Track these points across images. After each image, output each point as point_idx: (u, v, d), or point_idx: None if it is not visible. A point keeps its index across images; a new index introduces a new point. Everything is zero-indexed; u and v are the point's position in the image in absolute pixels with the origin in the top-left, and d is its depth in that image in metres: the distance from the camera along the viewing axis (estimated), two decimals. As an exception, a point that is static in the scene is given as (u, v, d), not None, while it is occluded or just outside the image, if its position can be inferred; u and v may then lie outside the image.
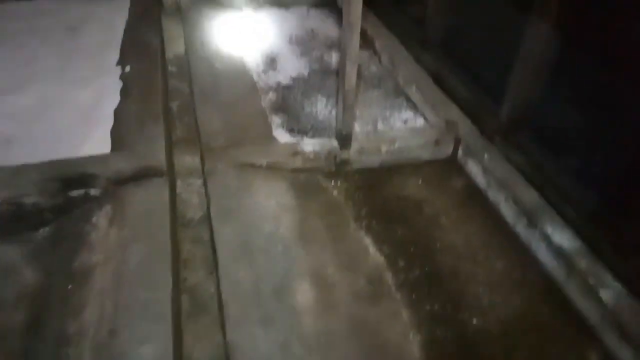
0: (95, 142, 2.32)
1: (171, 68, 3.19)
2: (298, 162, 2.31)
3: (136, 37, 3.22)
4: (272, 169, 2.28)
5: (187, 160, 2.49)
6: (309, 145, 2.34)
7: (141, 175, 2.08)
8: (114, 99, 2.59)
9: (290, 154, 2.30)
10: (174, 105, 2.87)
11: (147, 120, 2.40)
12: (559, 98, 2.25)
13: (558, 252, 1.87)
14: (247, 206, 2.03)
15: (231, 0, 4.01)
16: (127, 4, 3.70)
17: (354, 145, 2.34)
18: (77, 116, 2.53)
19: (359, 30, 1.95)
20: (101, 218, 1.97)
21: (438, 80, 2.98)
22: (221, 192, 2.07)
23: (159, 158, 2.14)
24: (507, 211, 2.13)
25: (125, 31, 3.31)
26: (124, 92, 2.64)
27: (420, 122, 2.78)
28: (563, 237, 1.91)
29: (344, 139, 2.30)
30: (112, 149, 2.26)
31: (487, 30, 2.72)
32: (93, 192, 2.05)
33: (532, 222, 2.00)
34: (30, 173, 2.00)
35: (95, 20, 3.47)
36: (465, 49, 2.97)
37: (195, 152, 2.52)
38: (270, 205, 2.07)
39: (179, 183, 2.33)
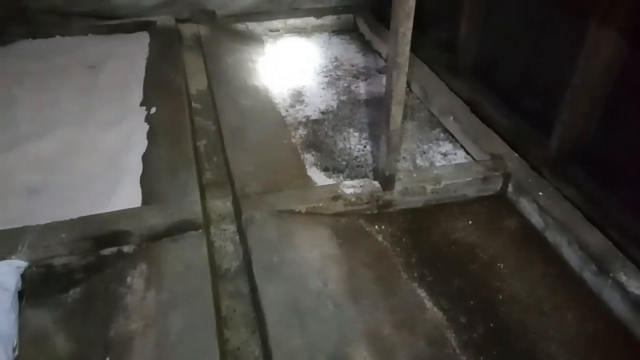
0: (124, 191, 2.21)
1: (195, 104, 3.10)
2: (339, 207, 2.17)
3: (158, 74, 3.13)
4: (312, 214, 2.14)
5: (219, 205, 2.38)
6: (349, 187, 2.20)
7: (176, 230, 1.95)
8: (141, 143, 2.48)
9: (330, 197, 2.16)
10: (201, 144, 2.78)
11: (178, 166, 2.28)
12: (616, 127, 2.11)
13: (635, 302, 1.70)
14: (291, 260, 1.89)
15: (251, 31, 3.93)
16: (147, 40, 3.62)
17: (397, 186, 2.20)
18: (104, 163, 2.42)
19: (406, 71, 1.83)
20: (136, 278, 1.84)
21: (474, 109, 2.84)
22: (261, 245, 1.93)
23: (194, 210, 2.01)
24: (571, 255, 1.97)
25: (146, 68, 3.22)
26: (151, 136, 2.53)
27: (461, 155, 2.64)
28: (639, 286, 1.74)
29: (387, 180, 2.16)
30: (143, 200, 2.14)
31: (529, 56, 2.59)
32: (126, 249, 1.92)
33: (601, 268, 1.84)
34: (59, 232, 1.88)
35: (115, 57, 3.39)
36: (503, 76, 2.84)
37: (227, 196, 2.41)
38: (315, 257, 1.93)
39: (211, 230, 2.21)
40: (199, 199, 2.08)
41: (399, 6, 1.66)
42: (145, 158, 2.38)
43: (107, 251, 1.90)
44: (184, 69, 3.32)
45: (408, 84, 3.27)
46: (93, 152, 2.49)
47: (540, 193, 2.18)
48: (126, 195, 2.19)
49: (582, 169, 2.26)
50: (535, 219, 2.16)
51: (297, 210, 2.11)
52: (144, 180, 2.24)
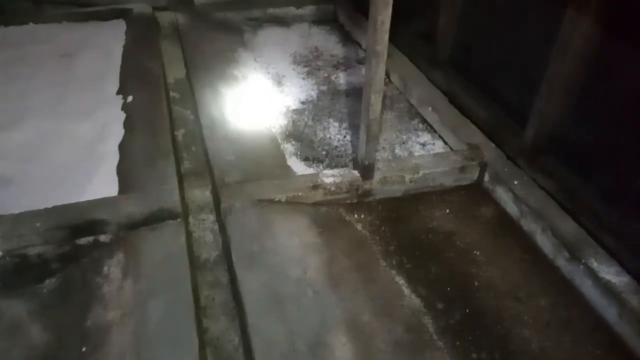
0: (100, 180, 2.17)
1: (173, 94, 3.06)
2: (318, 196, 2.18)
3: (135, 62, 3.08)
4: (292, 203, 2.14)
5: (198, 195, 2.36)
6: (329, 176, 2.21)
7: (154, 219, 1.92)
8: (118, 133, 2.44)
9: (310, 187, 2.16)
10: (180, 133, 2.75)
11: (156, 155, 2.25)
12: (590, 116, 2.15)
13: (606, 288, 1.76)
14: (270, 248, 1.89)
15: (230, 20, 3.89)
16: (123, 27, 3.55)
17: (376, 175, 2.22)
18: (79, 152, 2.37)
19: (385, 59, 1.83)
20: (113, 268, 1.82)
21: (452, 100, 2.88)
22: (241, 233, 1.92)
23: (172, 199, 1.99)
24: (545, 243, 2.02)
25: (123, 57, 3.16)
26: (127, 125, 2.49)
27: (439, 145, 2.67)
28: (610, 272, 1.80)
29: (367, 170, 2.18)
30: (120, 189, 2.11)
31: (505, 47, 2.62)
32: (103, 238, 1.89)
33: (574, 255, 1.89)
34: (34, 221, 1.84)
35: (90, 45, 3.32)
36: (480, 67, 2.87)
37: (206, 186, 2.39)
38: (294, 246, 1.94)
39: (190, 220, 2.19)
40: (177, 188, 2.06)
41: (377, -4, 1.67)
42: (122, 147, 2.34)
43: (84, 240, 1.87)
44: (162, 58, 3.27)
45: (387, 75, 3.29)
46: (68, 142, 2.44)
47: (516, 182, 2.22)
48: (103, 184, 2.15)
49: (557, 159, 2.30)
50: (511, 208, 2.21)
51: (277, 199, 2.11)
52: (121, 170, 2.21)
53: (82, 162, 2.31)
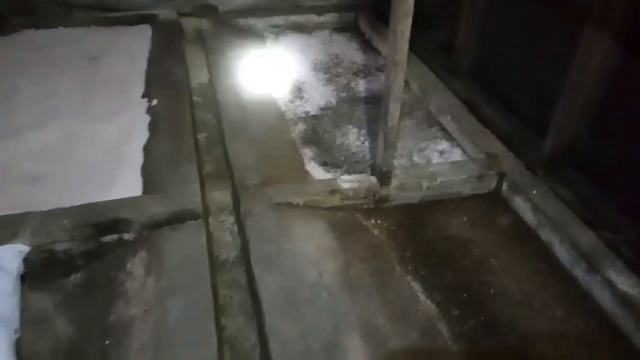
0: (125, 181, 2.24)
1: (196, 98, 3.13)
2: (336, 200, 2.21)
3: (160, 67, 3.16)
4: (310, 207, 2.17)
5: (218, 197, 2.41)
6: (347, 182, 2.24)
7: (176, 219, 1.98)
8: (142, 135, 2.51)
9: (328, 191, 2.20)
10: (202, 137, 2.81)
11: (179, 158, 2.31)
12: (610, 129, 2.15)
13: (624, 300, 1.75)
14: (288, 251, 1.93)
15: (253, 27, 3.96)
16: (149, 32, 3.65)
17: (394, 182, 2.24)
18: (105, 153, 2.45)
19: (404, 69, 1.86)
20: (136, 265, 1.87)
21: (471, 109, 2.89)
22: (259, 236, 1.97)
23: (194, 200, 2.04)
24: (563, 253, 2.01)
25: (148, 61, 3.25)
26: (152, 127, 2.56)
27: (457, 153, 2.68)
28: (627, 284, 1.79)
29: (384, 176, 2.20)
30: (144, 189, 2.17)
31: (526, 58, 2.63)
32: (127, 237, 1.95)
33: (591, 266, 1.88)
34: (61, 218, 1.91)
35: (117, 49, 3.42)
36: (500, 77, 2.88)
37: (226, 188, 2.44)
38: (311, 249, 1.97)
39: (210, 221, 2.24)
40: (199, 190, 2.11)
41: (398, 5, 1.70)
42: (147, 149, 2.41)
43: (108, 238, 1.94)
44: (186, 63, 3.35)
45: (407, 83, 3.31)
46: (94, 143, 2.52)
47: (534, 192, 2.22)
48: (127, 184, 2.22)
49: (576, 170, 2.30)
50: (529, 217, 2.21)
51: (295, 203, 2.15)
52: (145, 171, 2.27)
53: (107, 162, 2.38)
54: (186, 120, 2.63)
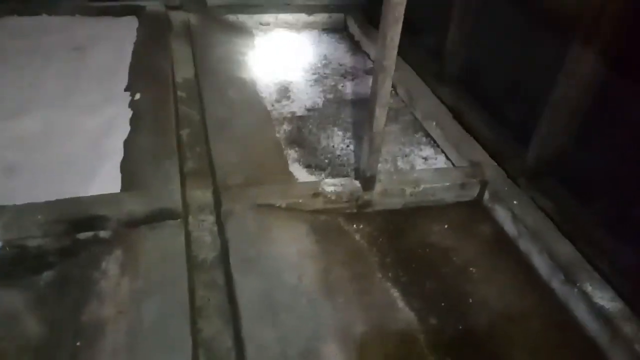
0: (104, 176, 2.19)
1: (180, 93, 3.08)
2: (318, 204, 2.19)
3: (145, 60, 3.11)
4: (292, 210, 2.15)
5: (199, 195, 2.36)
6: (330, 185, 2.23)
7: (155, 218, 1.94)
8: (124, 129, 2.46)
9: (311, 194, 2.18)
10: (184, 133, 2.76)
11: (160, 155, 2.27)
12: (593, 143, 2.17)
13: (599, 313, 1.77)
14: (268, 254, 1.90)
15: (242, 23, 3.92)
16: (135, 24, 3.58)
17: (377, 187, 2.23)
18: (85, 146, 2.39)
19: (392, 74, 1.85)
20: (112, 264, 1.83)
21: (457, 117, 2.90)
22: (240, 237, 1.94)
23: (174, 199, 2.01)
24: (541, 264, 2.03)
25: (133, 53, 3.19)
26: (134, 122, 2.51)
27: (441, 160, 2.68)
28: (604, 297, 1.81)
29: (368, 181, 2.19)
30: (123, 185, 2.13)
31: (514, 68, 2.64)
32: (102, 234, 1.91)
33: (569, 278, 1.90)
34: (35, 213, 1.86)
35: (102, 39, 3.35)
36: (486, 85, 2.90)
37: (207, 187, 2.40)
38: (292, 253, 1.95)
39: (189, 220, 2.20)
40: (180, 188, 2.07)
41: (388, 11, 1.69)
42: (127, 144, 2.36)
43: (83, 235, 1.89)
44: (172, 57, 3.29)
45: (394, 87, 3.31)
46: (74, 135, 2.46)
47: (515, 202, 2.23)
48: (106, 179, 2.17)
49: (557, 181, 2.32)
50: (509, 227, 2.22)
51: (277, 205, 2.13)
52: (125, 166, 2.23)
53: (87, 155, 2.33)
54: (169, 116, 2.58)
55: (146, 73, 2.97)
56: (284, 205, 2.14)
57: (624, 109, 2.01)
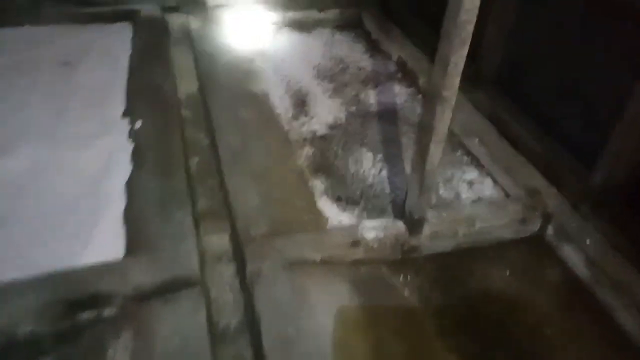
0: (104, 231, 1.86)
1: (185, 112, 2.72)
2: (359, 254, 1.87)
3: (144, 76, 2.74)
4: (328, 263, 1.83)
5: (215, 241, 2.04)
6: (371, 230, 1.90)
7: (168, 288, 1.61)
8: (125, 167, 2.12)
9: (349, 243, 1.86)
10: (193, 163, 2.41)
11: (170, 201, 1.94)
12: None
13: None
14: (308, 331, 1.58)
15: (247, 24, 3.53)
16: (129, 32, 3.21)
17: (425, 229, 1.90)
18: (80, 190, 2.06)
19: (452, 106, 1.51)
20: (119, 351, 1.51)
21: (498, 127, 2.56)
22: (272, 309, 1.62)
23: (190, 262, 1.68)
24: (628, 321, 1.71)
25: (129, 68, 2.82)
26: (136, 157, 2.17)
27: (488, 184, 2.34)
28: None
29: (415, 224, 1.86)
30: (127, 244, 1.80)
31: (568, 70, 2.29)
32: (107, 312, 1.58)
33: (668, 342, 1.59)
34: (25, 293, 1.53)
35: (93, 52, 2.98)
36: (534, 90, 2.54)
37: (224, 230, 2.07)
38: (336, 326, 1.63)
39: (205, 272, 1.88)
40: (196, 249, 1.74)
41: (453, 31, 1.34)
42: (130, 187, 2.03)
43: (84, 316, 1.56)
44: (172, 69, 2.92)
45: (418, 88, 2.95)
46: (68, 174, 2.12)
47: (588, 241, 1.91)
48: (107, 235, 1.85)
49: (631, 210, 1.99)
50: (582, 271, 1.90)
51: (311, 259, 1.80)
52: (128, 217, 1.89)
53: (83, 201, 2.00)
54: (176, 147, 2.24)
55: (145, 92, 2.61)
56: (318, 259, 1.81)
57: None
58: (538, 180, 2.21)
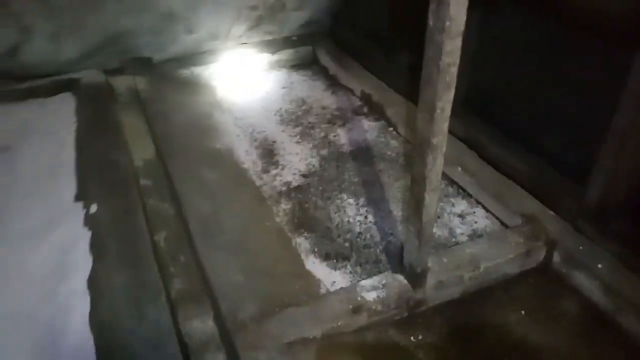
0: (68, 340, 1.60)
1: (144, 182, 2.50)
2: (362, 320, 1.68)
3: (94, 152, 2.50)
4: (330, 337, 1.63)
5: (197, 327, 1.82)
6: (370, 289, 1.72)
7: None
8: (84, 261, 1.87)
9: (349, 310, 1.67)
10: (160, 238, 2.19)
11: (141, 297, 1.70)
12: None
13: None
14: None
15: (198, 77, 3.36)
16: (72, 103, 2.96)
17: (429, 279, 1.74)
18: (32, 297, 1.79)
19: (444, 152, 1.37)
20: None
21: (477, 151, 2.46)
22: (278, 407, 1.40)
23: (175, 370, 1.44)
24: (661, 349, 1.58)
25: (76, 145, 2.57)
26: (96, 248, 1.92)
27: (480, 214, 2.22)
28: None
29: (418, 277, 1.70)
30: (97, 353, 1.54)
31: (542, 84, 2.22)
32: None
33: None
34: None
35: (35, 132, 2.72)
36: (507, 107, 2.46)
37: (206, 313, 1.85)
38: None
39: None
40: (179, 349, 1.51)
41: (436, 75, 1.21)
42: (93, 285, 1.77)
43: None
44: (124, 136, 2.70)
45: (394, 127, 2.84)
46: (15, 282, 1.85)
47: (600, 265, 1.79)
48: (72, 345, 1.59)
49: (632, 221, 1.90)
50: (598, 298, 1.77)
51: (312, 336, 1.60)
52: (95, 323, 1.64)
53: (40, 313, 1.73)
54: (140, 226, 2.02)
55: (98, 169, 2.38)
56: (319, 334, 1.61)
57: None
58: (531, 203, 2.10)
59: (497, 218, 2.16)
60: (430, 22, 1.17)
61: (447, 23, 1.12)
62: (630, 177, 1.85)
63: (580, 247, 1.87)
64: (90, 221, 2.04)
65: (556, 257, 1.92)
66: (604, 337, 1.68)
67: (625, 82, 1.72)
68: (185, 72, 3.38)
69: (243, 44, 3.67)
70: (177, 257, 2.08)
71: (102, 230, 1.99)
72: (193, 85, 3.29)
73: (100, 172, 2.34)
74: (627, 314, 1.68)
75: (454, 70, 1.20)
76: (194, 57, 3.50)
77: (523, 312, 1.78)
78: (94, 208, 2.09)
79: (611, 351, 1.64)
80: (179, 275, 2.00)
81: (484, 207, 2.24)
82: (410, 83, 2.96)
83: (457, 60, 1.18)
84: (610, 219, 1.92)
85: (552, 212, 2.03)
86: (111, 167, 2.39)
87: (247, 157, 2.62)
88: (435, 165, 1.38)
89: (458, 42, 1.15)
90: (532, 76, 2.27)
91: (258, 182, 2.45)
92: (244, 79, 3.41)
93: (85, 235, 1.98)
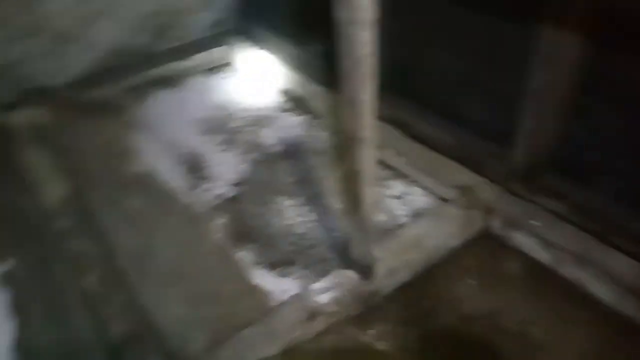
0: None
1: (61, 223, 2.28)
2: (320, 325, 1.63)
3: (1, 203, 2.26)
4: (290, 351, 1.57)
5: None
6: (322, 291, 1.67)
7: None
8: (4, 327, 1.67)
9: (304, 318, 1.61)
10: (92, 281, 2.00)
11: (76, 353, 1.54)
12: (588, 125, 1.84)
13: None
14: None
15: (106, 98, 3.12)
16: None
17: (379, 268, 1.72)
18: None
19: (375, 143, 1.33)
20: None
21: (403, 130, 2.47)
22: None
23: None
24: (604, 292, 1.66)
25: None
26: (17, 307, 1.73)
27: (417, 192, 2.23)
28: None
29: (367, 269, 1.67)
30: None
31: (456, 59, 2.25)
32: None
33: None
34: None
35: None
36: (426, 83, 2.48)
37: (154, 353, 1.72)
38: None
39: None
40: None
41: (350, 68, 1.15)
42: (20, 348, 1.59)
43: None
44: (32, 176, 2.46)
45: (312, 113, 2.79)
46: None
47: (536, 222, 1.84)
48: None
49: (559, 175, 1.97)
50: (540, 254, 1.83)
51: (272, 355, 1.53)
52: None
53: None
54: (64, 275, 1.83)
55: (6, 221, 2.15)
56: (278, 351, 1.54)
57: (622, 82, 1.68)
58: (465, 175, 2.12)
59: (434, 194, 2.17)
60: (340, 14, 1.10)
61: (359, 14, 1.05)
62: (551, 134, 1.91)
63: (516, 208, 1.91)
64: (7, 279, 1.83)
65: (495, 222, 1.96)
66: (550, 290, 1.74)
67: (538, 46, 1.75)
68: (90, 94, 3.14)
69: (151, 54, 3.46)
70: (111, 300, 1.92)
71: (21, 287, 1.79)
72: (102, 108, 3.06)
73: (9, 224, 2.11)
74: (568, 264, 1.74)
75: (372, 60, 1.15)
76: (97, 76, 3.25)
77: (472, 281, 1.80)
78: (8, 264, 1.88)
79: (558, 302, 1.69)
80: (116, 320, 1.84)
81: (420, 186, 2.24)
82: (329, 72, 2.92)
83: (374, 49, 1.13)
84: (539, 177, 1.98)
85: (484, 180, 2.07)
86: (22, 214, 2.16)
87: (172, 176, 2.47)
88: (368, 159, 1.34)
89: (372, 31, 1.09)
90: (445, 49, 2.29)
91: (187, 201, 2.32)
92: (156, 91, 3.21)
93: (2, 297, 1.77)
